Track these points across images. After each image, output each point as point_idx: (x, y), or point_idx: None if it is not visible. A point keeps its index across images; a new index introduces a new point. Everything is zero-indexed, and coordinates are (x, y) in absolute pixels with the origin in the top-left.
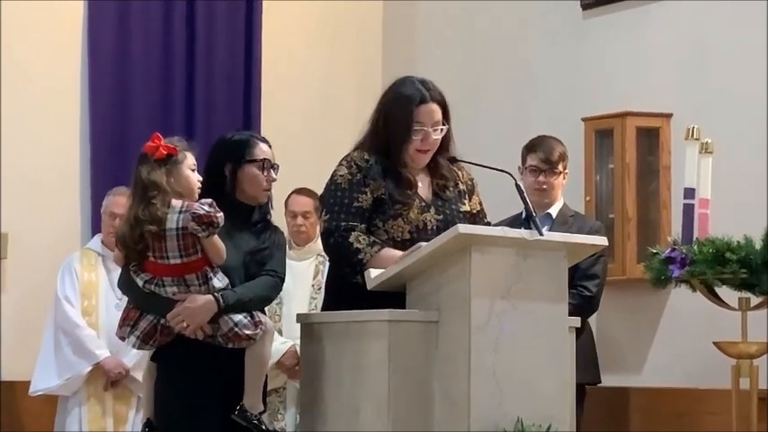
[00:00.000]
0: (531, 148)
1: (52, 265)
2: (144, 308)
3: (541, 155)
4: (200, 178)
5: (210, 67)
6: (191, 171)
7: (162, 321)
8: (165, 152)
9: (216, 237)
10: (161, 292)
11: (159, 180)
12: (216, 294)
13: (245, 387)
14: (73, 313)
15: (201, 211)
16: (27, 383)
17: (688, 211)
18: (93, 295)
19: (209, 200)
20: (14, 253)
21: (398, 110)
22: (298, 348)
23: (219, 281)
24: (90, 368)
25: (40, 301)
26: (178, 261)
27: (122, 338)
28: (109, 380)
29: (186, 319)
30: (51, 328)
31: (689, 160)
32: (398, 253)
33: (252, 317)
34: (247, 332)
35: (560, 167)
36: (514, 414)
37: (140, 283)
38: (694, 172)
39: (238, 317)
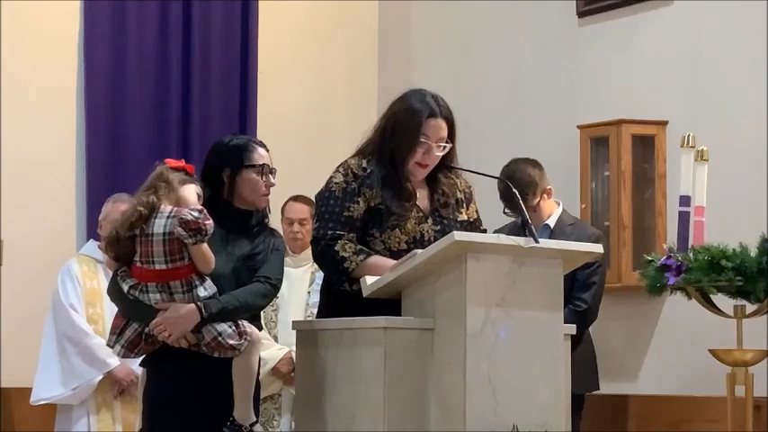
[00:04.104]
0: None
1: (48, 271)
2: (128, 316)
3: (505, 202)
4: (200, 209)
5: (206, 70)
6: (196, 195)
7: (146, 330)
8: (183, 165)
9: (204, 245)
10: (144, 299)
11: (171, 177)
12: (199, 303)
13: (235, 399)
14: (80, 321)
15: (190, 217)
16: (24, 390)
17: (683, 218)
18: (97, 303)
19: (200, 207)
20: (10, 260)
21: (406, 120)
22: (293, 354)
23: (205, 289)
24: (101, 377)
25: (36, 308)
26: (163, 267)
27: (110, 346)
28: (120, 388)
29: (168, 328)
30: (53, 335)
31: (684, 168)
32: (386, 261)
33: (237, 327)
34: (231, 342)
35: (530, 199)
36: (510, 421)
37: (125, 288)
38: (690, 179)
39: (222, 326)
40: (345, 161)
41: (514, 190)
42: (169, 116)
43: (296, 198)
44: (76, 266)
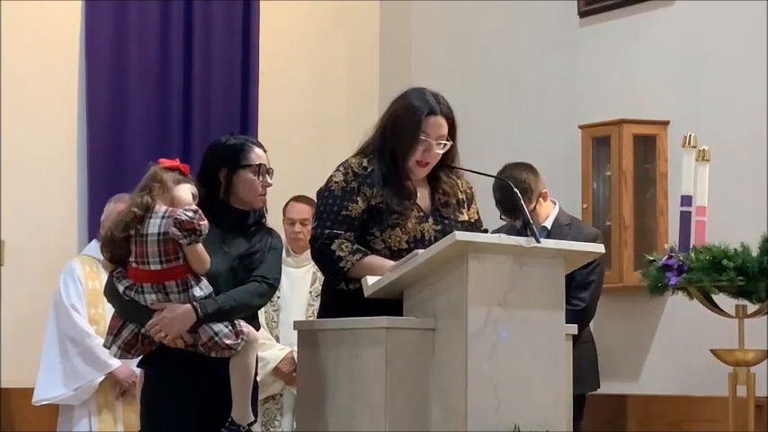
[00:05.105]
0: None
1: (50, 272)
2: (125, 316)
3: (501, 208)
4: (195, 209)
5: (208, 70)
6: (191, 195)
7: (143, 331)
8: (177, 165)
9: (199, 245)
10: (140, 300)
11: (165, 177)
12: (195, 303)
13: (233, 399)
14: (81, 322)
15: (184, 217)
16: (25, 391)
17: (685, 218)
18: (99, 303)
19: (195, 207)
20: (12, 260)
21: (406, 118)
22: (295, 355)
23: (201, 289)
24: (102, 378)
25: (37, 308)
26: (158, 267)
27: (107, 347)
28: (121, 389)
29: (164, 328)
30: (54, 336)
31: (686, 168)
32: (382, 261)
33: (233, 326)
34: (228, 342)
35: (526, 205)
36: (511, 421)
37: (121, 289)
38: (691, 179)
39: (219, 326)
40: (346, 160)
41: (516, 190)
42: (170, 116)
43: (297, 198)
44: (79, 267)
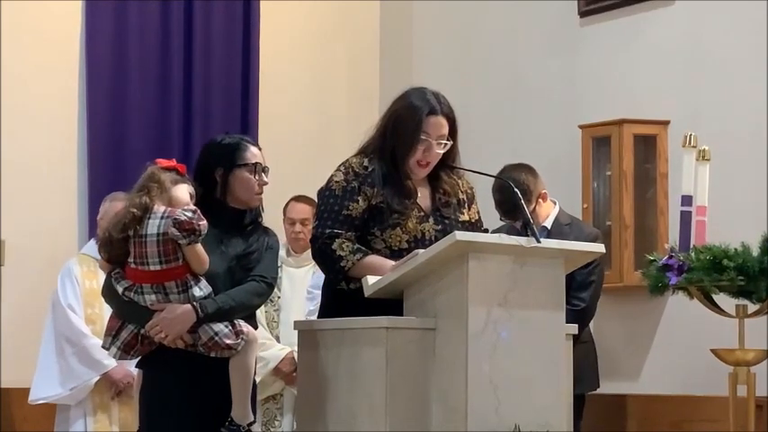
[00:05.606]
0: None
1: (50, 271)
2: (124, 317)
3: (500, 210)
4: (194, 209)
5: (208, 70)
6: (188, 195)
7: (143, 331)
8: (174, 165)
9: (198, 245)
10: (140, 300)
11: (163, 178)
12: (195, 303)
13: (233, 398)
14: (78, 322)
15: (183, 218)
16: (24, 390)
17: (685, 218)
18: (96, 303)
19: (193, 207)
20: (12, 260)
21: (407, 118)
22: (295, 355)
23: (201, 290)
24: (98, 378)
25: (37, 308)
26: (158, 267)
27: (105, 348)
28: (116, 389)
29: (164, 329)
30: (51, 335)
31: (686, 167)
32: (383, 261)
33: (233, 326)
34: (228, 342)
35: (527, 203)
36: (511, 421)
37: (120, 290)
38: (691, 179)
39: (219, 326)
40: (347, 160)
41: (516, 189)
42: (170, 116)
43: (298, 198)
44: (76, 267)
